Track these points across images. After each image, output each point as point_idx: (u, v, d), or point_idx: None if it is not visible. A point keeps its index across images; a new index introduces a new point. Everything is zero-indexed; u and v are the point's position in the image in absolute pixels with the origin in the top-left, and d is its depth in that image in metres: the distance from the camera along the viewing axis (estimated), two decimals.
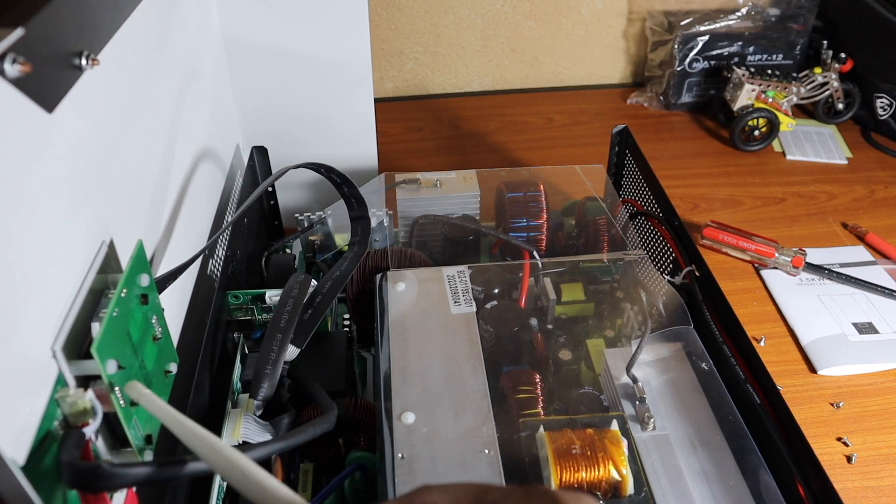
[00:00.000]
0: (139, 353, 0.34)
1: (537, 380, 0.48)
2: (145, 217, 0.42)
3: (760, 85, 0.93)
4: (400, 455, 0.42)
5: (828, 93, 0.96)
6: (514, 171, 0.71)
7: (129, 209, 0.39)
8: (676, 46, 1.00)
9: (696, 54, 1.00)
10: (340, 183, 0.56)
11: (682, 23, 1.00)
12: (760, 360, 0.48)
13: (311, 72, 0.68)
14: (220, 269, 0.53)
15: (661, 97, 1.04)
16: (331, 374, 0.52)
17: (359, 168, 0.75)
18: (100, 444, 0.33)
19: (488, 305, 0.54)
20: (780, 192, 0.87)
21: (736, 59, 1.00)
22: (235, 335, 0.54)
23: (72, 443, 0.29)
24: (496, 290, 0.55)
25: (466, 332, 0.51)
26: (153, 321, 0.36)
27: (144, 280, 0.35)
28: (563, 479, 0.40)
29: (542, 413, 0.46)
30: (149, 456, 0.34)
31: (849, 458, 0.56)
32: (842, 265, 0.75)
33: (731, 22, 1.00)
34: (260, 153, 0.68)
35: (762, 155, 0.94)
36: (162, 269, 0.43)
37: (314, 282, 0.51)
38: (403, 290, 0.55)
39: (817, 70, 0.95)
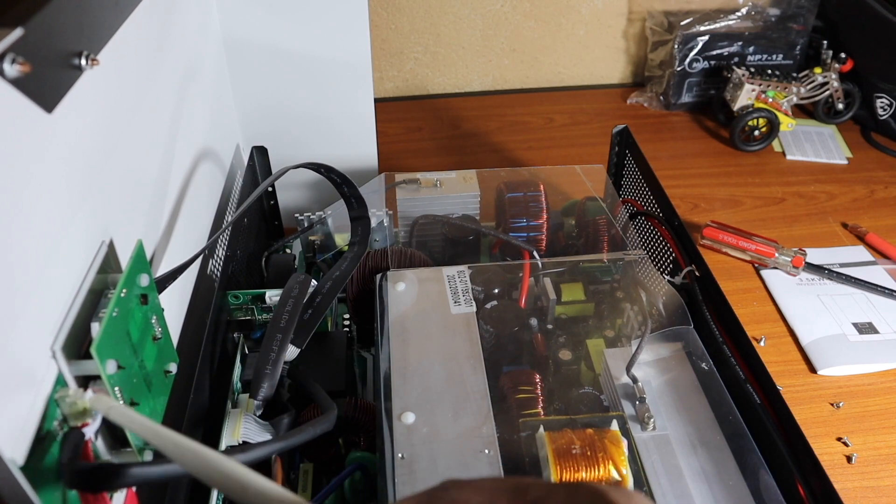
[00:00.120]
0: (139, 353, 0.34)
1: (537, 380, 0.48)
2: (145, 217, 0.42)
3: (760, 85, 0.93)
4: (400, 455, 0.42)
5: (828, 93, 0.96)
6: (514, 171, 0.71)
7: (128, 209, 0.39)
8: (676, 46, 1.00)
9: (696, 54, 1.00)
10: (340, 183, 0.56)
11: (682, 23, 1.00)
12: (760, 360, 0.48)
13: (311, 72, 0.68)
14: (220, 269, 0.53)
15: (661, 97, 1.04)
16: (331, 374, 0.52)
17: (359, 168, 0.75)
18: (100, 444, 0.33)
19: (488, 305, 0.54)
20: (780, 192, 0.87)
21: (736, 59, 1.00)
22: (235, 335, 0.54)
23: (72, 443, 0.29)
24: (496, 290, 0.55)
25: (466, 332, 0.51)
26: (153, 321, 0.36)
27: (144, 280, 0.35)
28: (563, 480, 0.40)
29: (542, 413, 0.46)
30: (149, 456, 0.34)
31: (849, 458, 0.56)
32: (842, 265, 0.75)
33: (731, 22, 1.00)
34: (260, 153, 0.68)
35: (762, 155, 0.94)
36: (162, 269, 0.43)
37: (314, 282, 0.51)
38: (403, 290, 0.55)
39: (817, 70, 0.95)
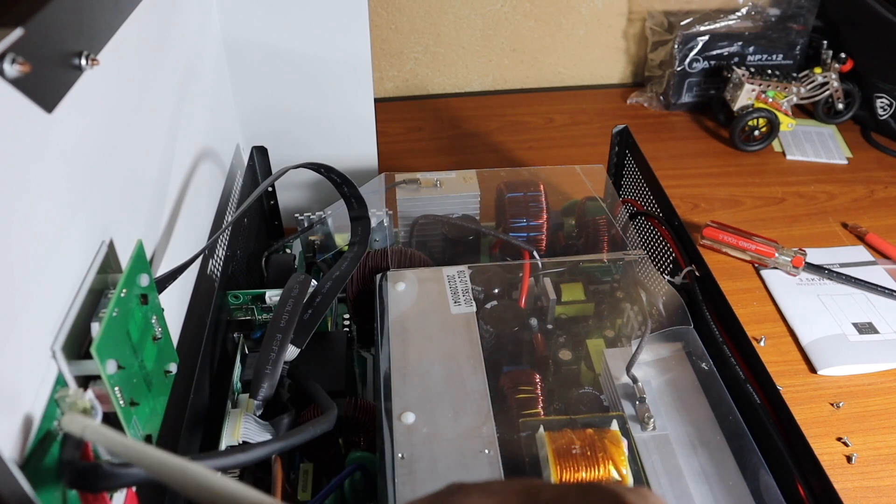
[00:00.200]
0: (139, 353, 0.34)
1: (537, 380, 0.48)
2: (145, 217, 0.42)
3: (760, 85, 0.93)
4: (400, 455, 0.42)
5: (828, 93, 0.96)
6: (514, 171, 0.71)
7: (128, 209, 0.39)
8: (676, 46, 1.00)
9: (696, 54, 1.00)
10: (340, 183, 0.56)
11: (682, 23, 1.00)
12: (760, 360, 0.48)
13: (311, 72, 0.68)
14: (220, 269, 0.53)
15: (661, 97, 1.04)
16: (331, 374, 0.52)
17: (359, 168, 0.75)
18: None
19: (488, 305, 0.54)
20: (780, 192, 0.87)
21: (736, 59, 1.00)
22: (235, 335, 0.54)
23: (72, 443, 0.29)
24: (496, 290, 0.55)
25: (466, 332, 0.51)
26: (153, 321, 0.36)
27: (144, 280, 0.35)
28: (563, 480, 0.40)
29: (542, 413, 0.46)
30: None
31: (849, 458, 0.56)
32: (842, 265, 0.75)
33: (731, 22, 1.00)
34: (260, 153, 0.68)
35: (762, 155, 0.94)
36: (162, 269, 0.43)
37: (314, 282, 0.51)
38: (403, 290, 0.55)
39: (817, 70, 0.95)
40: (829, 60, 0.95)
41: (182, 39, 0.52)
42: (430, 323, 0.52)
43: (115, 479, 0.29)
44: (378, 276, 0.56)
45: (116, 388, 0.31)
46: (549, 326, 0.55)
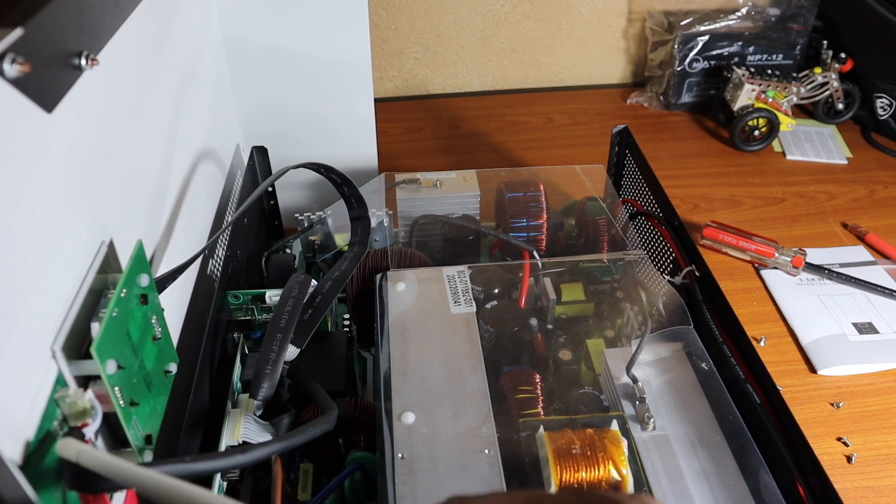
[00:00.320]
0: (139, 353, 0.34)
1: (537, 380, 0.48)
2: (145, 217, 0.42)
3: (760, 85, 0.93)
4: (400, 455, 0.42)
5: (828, 93, 0.96)
6: (514, 171, 0.70)
7: (128, 209, 0.39)
8: (676, 46, 1.00)
9: (696, 54, 1.00)
10: (340, 183, 0.56)
11: (682, 23, 1.00)
12: (760, 360, 0.48)
13: (311, 72, 0.68)
14: (220, 269, 0.53)
15: (661, 97, 1.04)
16: (331, 374, 0.52)
17: (359, 168, 0.75)
18: (100, 445, 0.33)
19: (488, 305, 0.54)
20: (780, 192, 0.87)
21: (736, 59, 1.00)
22: (235, 335, 0.54)
23: None
24: (496, 290, 0.55)
25: (466, 332, 0.51)
26: (153, 321, 0.36)
27: (144, 280, 0.35)
28: (563, 479, 0.40)
29: (542, 413, 0.46)
30: (148, 456, 0.34)
31: (849, 458, 0.56)
32: (842, 265, 0.75)
33: (731, 22, 1.00)
34: (260, 153, 0.68)
35: (762, 155, 0.94)
36: (162, 269, 0.43)
37: (314, 282, 0.51)
38: (403, 290, 0.55)
39: (817, 70, 0.95)
40: (829, 60, 0.95)
41: (182, 39, 0.52)
42: (430, 323, 0.52)
43: (115, 480, 0.29)
44: (378, 276, 0.56)
45: (116, 388, 0.31)
46: (549, 326, 0.55)
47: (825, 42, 0.95)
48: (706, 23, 1.00)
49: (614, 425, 0.43)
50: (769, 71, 0.95)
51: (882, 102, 0.96)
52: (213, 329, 0.49)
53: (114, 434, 0.34)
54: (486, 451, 0.42)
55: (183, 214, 0.49)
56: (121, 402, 0.31)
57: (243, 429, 0.43)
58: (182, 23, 0.52)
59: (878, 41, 0.94)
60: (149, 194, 0.43)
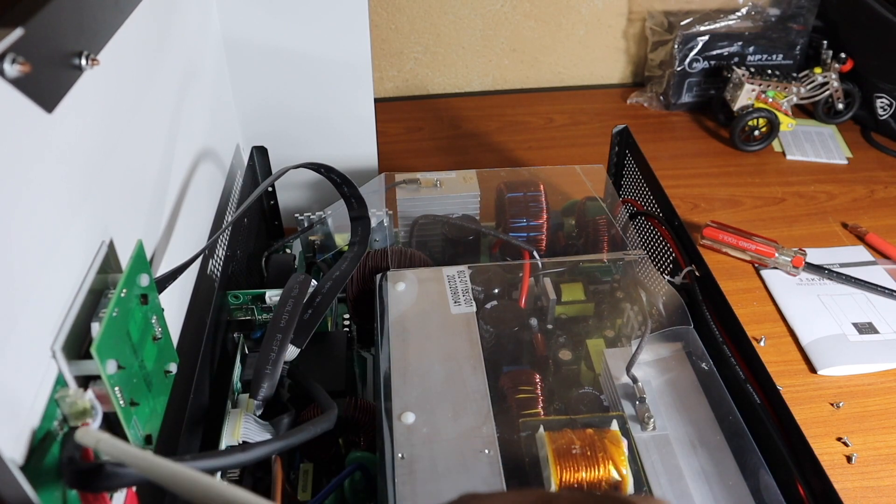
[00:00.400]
0: (139, 353, 0.34)
1: (537, 380, 0.48)
2: (145, 217, 0.42)
3: (760, 85, 0.93)
4: (400, 455, 0.42)
5: (828, 93, 0.96)
6: (514, 171, 0.71)
7: (128, 209, 0.39)
8: (676, 46, 1.00)
9: (696, 54, 1.00)
10: (340, 183, 0.56)
11: (682, 23, 1.00)
12: (760, 360, 0.48)
13: (311, 72, 0.68)
14: (220, 269, 0.53)
15: (661, 97, 1.04)
16: (331, 374, 0.52)
17: (359, 168, 0.75)
18: None
19: (488, 305, 0.54)
20: (780, 192, 0.87)
21: (736, 59, 1.00)
22: (235, 335, 0.54)
23: (72, 443, 0.29)
24: (496, 290, 0.55)
25: (466, 332, 0.51)
26: (153, 321, 0.36)
27: (144, 280, 0.35)
28: (563, 479, 0.40)
29: (542, 413, 0.46)
30: None
31: (849, 458, 0.56)
32: (842, 265, 0.75)
33: (731, 22, 1.00)
34: (260, 153, 0.68)
35: (762, 155, 0.94)
36: (162, 269, 0.43)
37: (314, 282, 0.51)
38: (403, 290, 0.55)
39: (817, 70, 0.95)
40: (829, 60, 0.95)
41: (182, 39, 0.52)
42: (430, 323, 0.52)
43: (115, 479, 0.29)
44: (378, 276, 0.56)
45: (116, 388, 0.31)
46: (549, 326, 0.55)
47: (825, 42, 0.95)
48: (706, 23, 1.00)
49: (614, 425, 0.43)
50: (769, 71, 0.95)
51: (882, 102, 0.96)
52: (213, 329, 0.49)
53: (114, 434, 0.34)
54: (486, 451, 0.42)
55: (183, 214, 0.49)
56: (121, 401, 0.31)
57: (243, 429, 0.43)
58: (182, 23, 0.52)
59: (878, 41, 0.94)
60: (149, 194, 0.43)
